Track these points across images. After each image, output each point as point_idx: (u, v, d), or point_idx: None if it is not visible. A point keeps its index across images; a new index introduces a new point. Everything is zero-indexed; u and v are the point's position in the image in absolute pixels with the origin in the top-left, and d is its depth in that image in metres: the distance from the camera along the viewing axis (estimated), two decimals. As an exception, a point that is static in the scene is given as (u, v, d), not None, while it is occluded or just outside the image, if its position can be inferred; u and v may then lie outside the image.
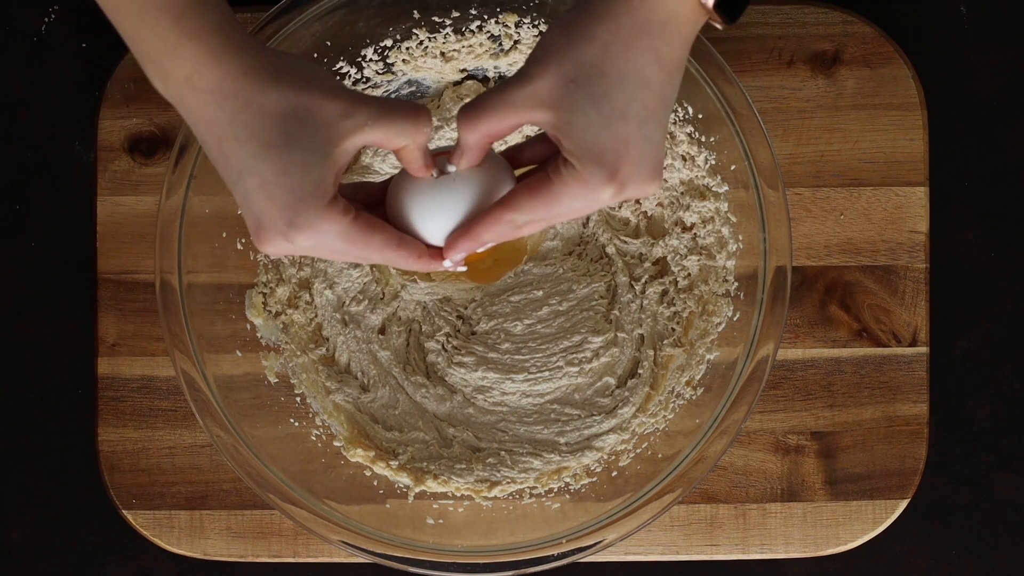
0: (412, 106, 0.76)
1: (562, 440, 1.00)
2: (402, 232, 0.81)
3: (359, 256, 0.78)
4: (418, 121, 0.76)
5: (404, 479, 0.99)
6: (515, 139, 1.00)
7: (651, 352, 1.01)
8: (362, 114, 0.74)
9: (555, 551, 0.93)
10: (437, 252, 0.81)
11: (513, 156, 0.83)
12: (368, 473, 0.99)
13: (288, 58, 0.74)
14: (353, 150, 0.75)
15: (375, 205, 0.83)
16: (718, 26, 0.74)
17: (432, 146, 1.01)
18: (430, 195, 0.80)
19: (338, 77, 0.98)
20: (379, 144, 0.76)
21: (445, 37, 0.98)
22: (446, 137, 1.01)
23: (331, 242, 0.76)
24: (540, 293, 1.02)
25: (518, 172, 0.83)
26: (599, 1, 0.73)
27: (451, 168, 0.80)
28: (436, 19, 0.97)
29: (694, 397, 0.98)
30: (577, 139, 0.73)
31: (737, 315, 0.96)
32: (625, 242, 1.02)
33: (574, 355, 1.01)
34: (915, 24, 1.03)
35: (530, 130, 1.00)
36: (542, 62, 0.74)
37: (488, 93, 0.76)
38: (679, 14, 0.72)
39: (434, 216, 0.81)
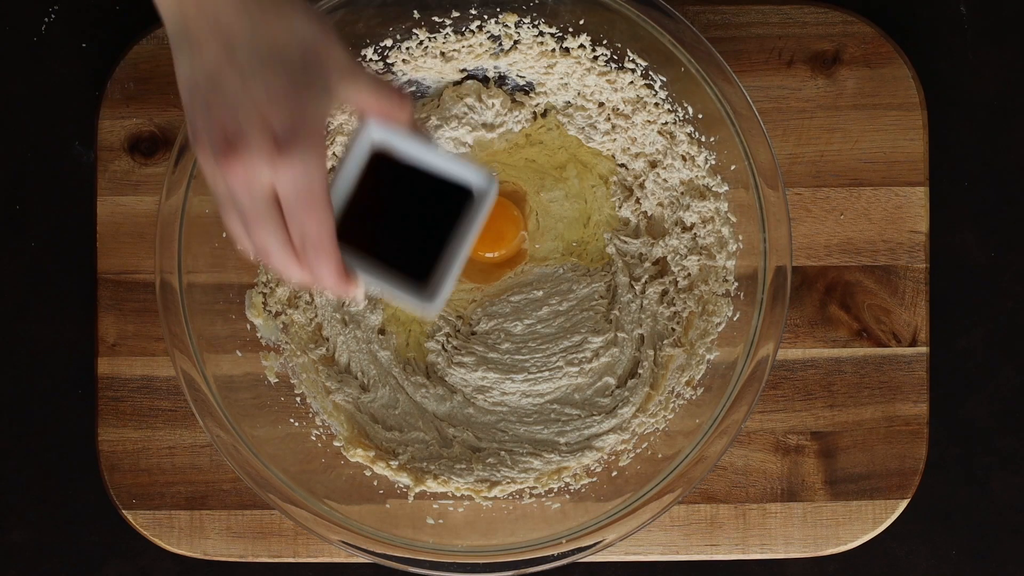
0: (399, 91, 0.76)
1: (562, 440, 1.00)
2: None
3: (301, 222, 0.72)
4: (404, 105, 0.76)
5: (404, 479, 0.99)
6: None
7: (651, 352, 1.01)
8: (362, 78, 0.73)
9: (555, 551, 0.93)
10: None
11: None
12: (368, 473, 0.99)
13: None
14: (341, 103, 0.74)
15: None
16: None
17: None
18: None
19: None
20: (361, 109, 0.75)
21: (445, 37, 0.98)
22: (445, 136, 1.01)
23: (309, 180, 0.71)
24: (540, 293, 1.02)
25: None
26: None
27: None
28: (436, 19, 0.97)
29: (694, 397, 0.98)
30: None
31: (737, 315, 0.96)
32: (625, 242, 1.02)
33: (574, 355, 1.01)
34: (915, 24, 1.04)
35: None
36: None
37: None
38: None
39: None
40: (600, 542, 0.93)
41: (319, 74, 0.71)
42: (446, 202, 0.79)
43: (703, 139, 0.97)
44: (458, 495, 0.99)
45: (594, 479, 0.99)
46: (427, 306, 0.79)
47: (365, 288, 0.78)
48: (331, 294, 0.77)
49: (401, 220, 0.80)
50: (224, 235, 0.97)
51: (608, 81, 0.99)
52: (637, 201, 1.02)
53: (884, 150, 1.01)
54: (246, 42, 0.70)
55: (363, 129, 0.76)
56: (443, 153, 0.79)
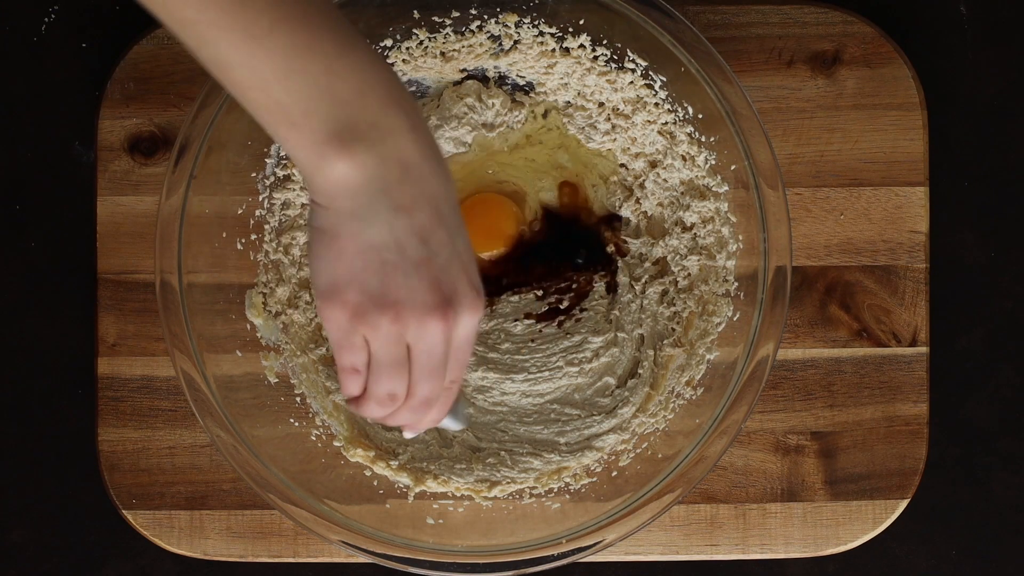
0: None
1: (562, 440, 1.00)
2: None
3: (459, 364, 0.76)
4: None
5: (404, 479, 0.99)
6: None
7: (651, 352, 1.01)
8: None
9: (555, 551, 0.93)
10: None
11: None
12: (368, 473, 0.99)
13: None
14: None
15: None
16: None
17: None
18: None
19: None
20: None
21: (445, 37, 0.98)
22: (445, 136, 1.01)
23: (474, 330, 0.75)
24: (540, 293, 1.02)
25: None
26: None
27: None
28: (436, 19, 0.97)
29: (694, 397, 0.98)
30: None
31: (737, 315, 0.96)
32: (625, 242, 1.02)
33: (574, 355, 1.01)
34: (915, 24, 1.04)
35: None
36: None
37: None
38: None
39: None
40: (600, 542, 0.93)
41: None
42: None
43: (703, 139, 0.97)
44: (458, 495, 0.99)
45: (594, 479, 0.99)
46: (457, 424, 0.90)
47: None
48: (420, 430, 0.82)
49: None
50: (224, 235, 0.97)
51: (608, 81, 0.99)
52: (637, 201, 1.02)
53: (884, 150, 1.01)
54: (449, 202, 0.72)
55: None
56: None
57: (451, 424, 0.89)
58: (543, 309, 1.02)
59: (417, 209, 0.70)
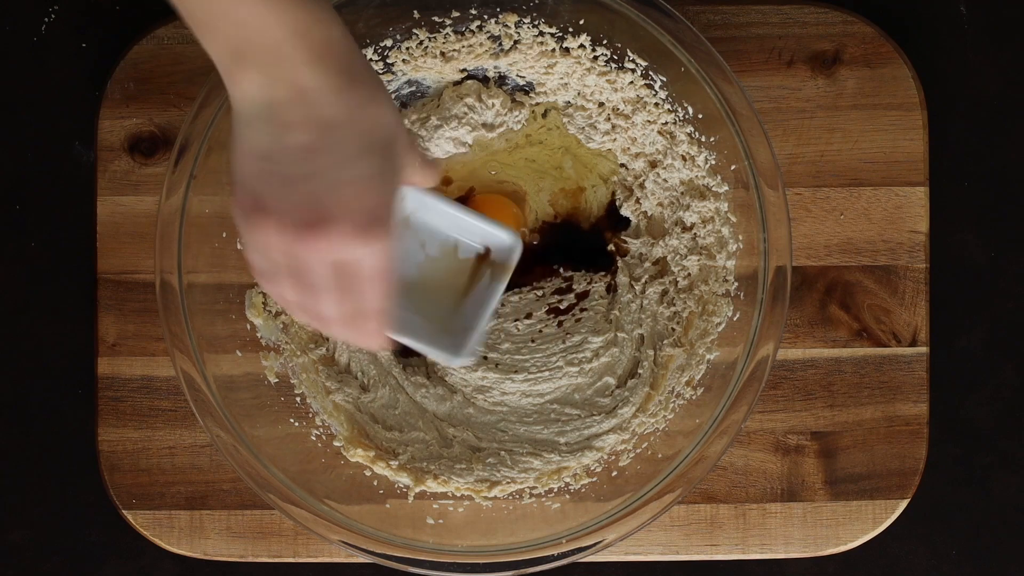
0: (433, 161, 0.83)
1: (562, 440, 1.01)
2: None
3: (363, 296, 0.76)
4: (437, 173, 0.82)
5: (404, 479, 0.99)
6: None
7: (651, 352, 1.01)
8: (415, 157, 0.79)
9: (555, 551, 0.93)
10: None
11: None
12: (368, 473, 0.99)
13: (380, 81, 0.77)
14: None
15: None
16: None
17: (435, 146, 1.01)
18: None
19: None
20: (409, 183, 0.80)
21: (445, 37, 0.98)
22: (445, 136, 1.01)
23: (384, 260, 0.74)
24: (540, 292, 1.02)
25: None
26: None
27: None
28: (436, 19, 0.97)
29: (694, 397, 0.98)
30: None
31: (737, 315, 0.96)
32: (625, 242, 1.02)
33: (574, 355, 1.01)
34: (915, 24, 1.04)
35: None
36: None
37: None
38: None
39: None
40: (600, 542, 0.93)
41: (397, 162, 0.76)
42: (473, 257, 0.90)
43: (703, 139, 0.97)
44: (458, 495, 0.99)
45: (594, 479, 0.99)
46: (453, 358, 0.89)
47: (394, 343, 0.86)
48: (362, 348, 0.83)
49: (431, 275, 0.90)
50: (224, 235, 0.97)
51: (608, 81, 0.99)
52: (637, 201, 1.02)
53: (884, 150, 1.01)
54: (344, 130, 0.72)
55: (402, 197, 0.79)
56: (470, 213, 0.89)
57: (438, 356, 0.89)
58: (543, 309, 1.02)
59: (302, 130, 0.72)
